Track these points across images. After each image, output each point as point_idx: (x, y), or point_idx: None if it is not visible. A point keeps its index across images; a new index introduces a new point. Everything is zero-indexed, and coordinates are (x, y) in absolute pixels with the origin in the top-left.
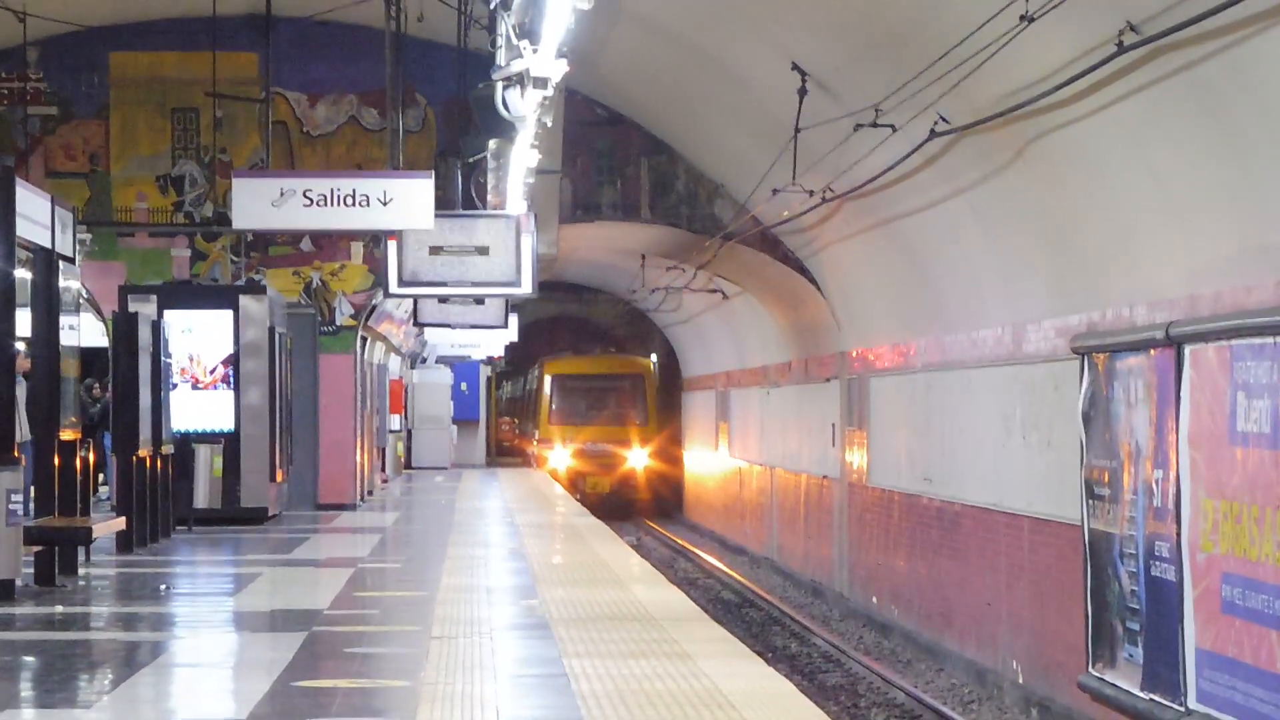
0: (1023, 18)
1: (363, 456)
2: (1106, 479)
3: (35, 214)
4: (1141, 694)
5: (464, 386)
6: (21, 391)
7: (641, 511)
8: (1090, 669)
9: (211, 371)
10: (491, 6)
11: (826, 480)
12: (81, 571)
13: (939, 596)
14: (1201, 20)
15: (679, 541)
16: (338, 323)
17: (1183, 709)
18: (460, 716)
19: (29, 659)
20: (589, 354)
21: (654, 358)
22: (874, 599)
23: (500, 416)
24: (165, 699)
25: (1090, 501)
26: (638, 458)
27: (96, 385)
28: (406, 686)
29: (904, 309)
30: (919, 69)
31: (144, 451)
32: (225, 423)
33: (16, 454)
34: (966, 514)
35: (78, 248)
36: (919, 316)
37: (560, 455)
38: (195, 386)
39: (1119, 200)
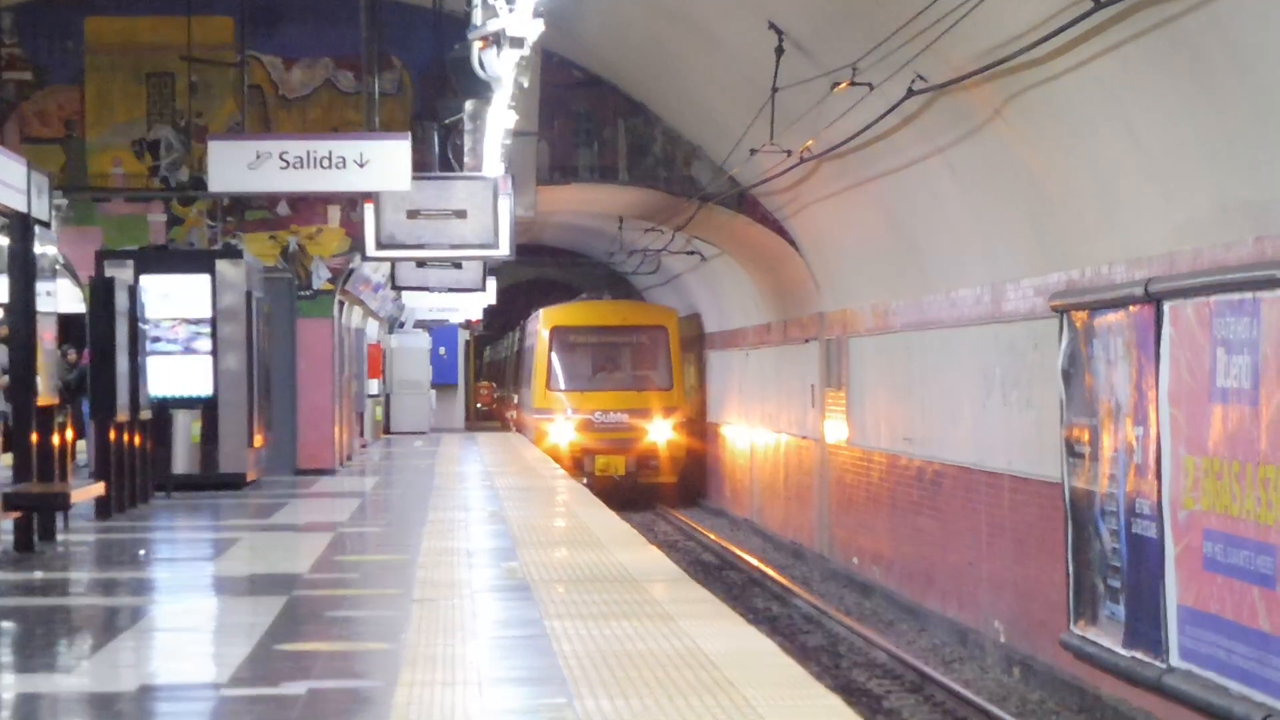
0: None
1: (341, 421)
2: (1087, 437)
3: (11, 179)
4: (1123, 652)
5: (442, 351)
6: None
7: (665, 499)
8: (1072, 627)
9: (180, 331)
10: None
11: (806, 441)
12: (60, 537)
13: (920, 557)
14: None
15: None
16: (315, 287)
17: (1165, 666)
18: (443, 678)
19: (8, 624)
20: (597, 300)
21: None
22: (854, 560)
23: (479, 380)
24: (146, 663)
25: (1071, 460)
26: (659, 430)
27: (72, 351)
28: (388, 649)
29: (882, 269)
30: (896, 27)
31: (122, 417)
32: (203, 388)
33: None
34: (947, 473)
35: (54, 213)
36: (898, 277)
37: (562, 429)
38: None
39: (1097, 158)
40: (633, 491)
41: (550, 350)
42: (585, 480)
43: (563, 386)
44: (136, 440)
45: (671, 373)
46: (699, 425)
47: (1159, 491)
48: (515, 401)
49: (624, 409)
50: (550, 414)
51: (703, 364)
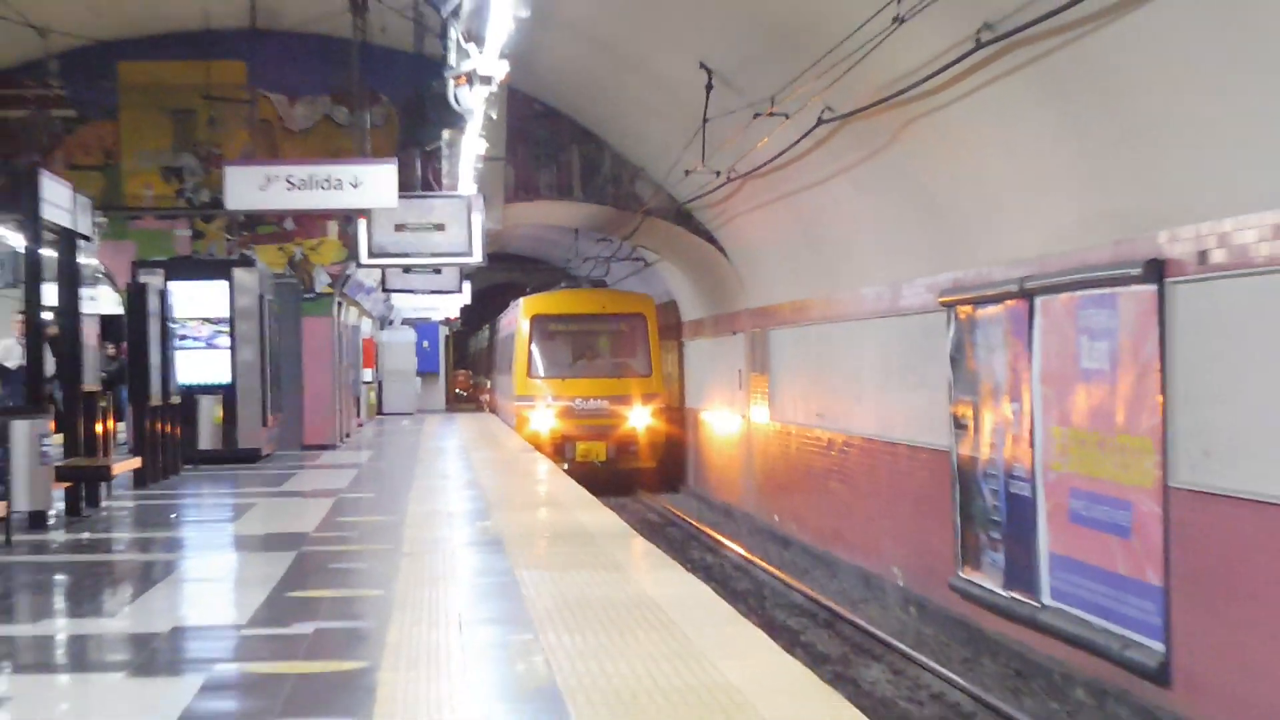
0: (895, 19)
1: (340, 404)
2: (970, 412)
3: (59, 201)
4: (1003, 593)
5: (425, 344)
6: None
7: (645, 485)
8: (959, 573)
9: (203, 328)
10: (444, 16)
11: (736, 419)
12: (104, 504)
13: (831, 514)
14: (1048, 18)
15: None
16: (317, 290)
17: (1038, 605)
18: (427, 620)
19: (61, 577)
20: (577, 290)
21: None
22: (776, 518)
23: (457, 369)
24: (177, 609)
25: (957, 431)
26: (638, 416)
27: (112, 346)
28: (382, 595)
29: (798, 271)
30: (807, 65)
31: (155, 402)
32: (223, 377)
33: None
34: (853, 444)
35: (95, 230)
36: (811, 277)
37: (543, 416)
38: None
39: (981, 175)
40: (613, 477)
41: (531, 339)
42: (566, 466)
43: (543, 374)
44: (167, 422)
45: (650, 360)
46: (677, 412)
47: (1032, 457)
48: (489, 387)
49: (604, 396)
50: (531, 401)
51: (681, 351)
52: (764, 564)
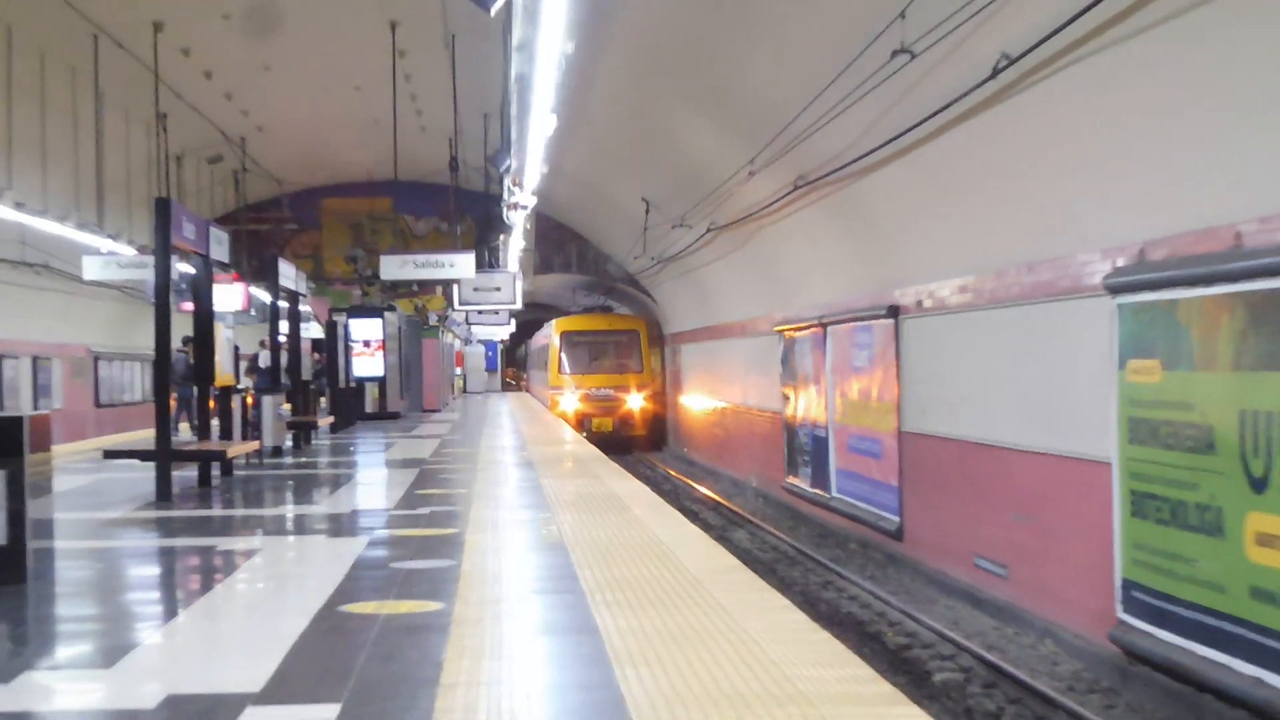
0: (749, 172)
1: (443, 386)
2: (793, 391)
3: (288, 275)
4: (810, 490)
5: (489, 354)
6: (284, 359)
7: (639, 446)
8: (787, 479)
9: (367, 344)
10: (500, 172)
11: (668, 399)
12: (313, 442)
13: (716, 447)
14: (834, 173)
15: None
16: (430, 324)
17: (830, 496)
18: (491, 504)
19: (290, 483)
20: (592, 314)
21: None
22: (686, 449)
23: (507, 368)
24: (354, 499)
25: (785, 401)
26: (635, 400)
27: (318, 355)
28: (466, 492)
29: (696, 312)
30: (701, 198)
31: (341, 386)
32: (378, 371)
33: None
34: (729, 410)
35: (308, 291)
36: (703, 314)
37: (569, 400)
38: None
39: (799, 259)
40: (617, 441)
41: (560, 347)
42: (585, 434)
43: (569, 371)
44: (348, 396)
45: (642, 361)
46: (662, 396)
47: (826, 416)
48: (526, 378)
49: (611, 386)
50: (561, 390)
51: (663, 356)
52: (678, 475)
